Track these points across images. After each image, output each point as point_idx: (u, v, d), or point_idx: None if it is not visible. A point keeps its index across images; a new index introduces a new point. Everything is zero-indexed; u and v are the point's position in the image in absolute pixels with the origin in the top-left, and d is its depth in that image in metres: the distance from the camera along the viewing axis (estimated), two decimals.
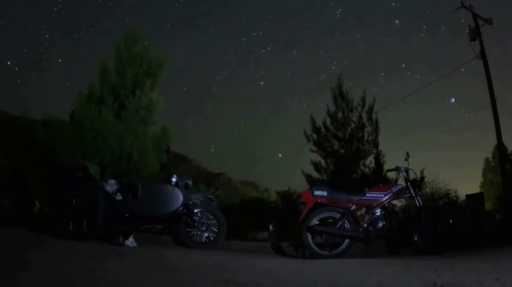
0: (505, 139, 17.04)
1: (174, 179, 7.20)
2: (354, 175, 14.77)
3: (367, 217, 6.41)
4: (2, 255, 3.72)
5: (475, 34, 17.68)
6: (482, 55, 17.33)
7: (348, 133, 15.48)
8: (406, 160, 6.88)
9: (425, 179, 13.92)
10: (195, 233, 7.26)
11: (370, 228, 6.34)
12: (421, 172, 13.45)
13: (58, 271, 3.19)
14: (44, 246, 4.70)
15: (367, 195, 6.53)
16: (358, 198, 6.50)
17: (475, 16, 17.98)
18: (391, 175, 13.30)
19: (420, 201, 6.62)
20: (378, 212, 6.42)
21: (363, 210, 6.78)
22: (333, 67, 71.74)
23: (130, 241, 6.66)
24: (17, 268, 3.09)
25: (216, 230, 7.38)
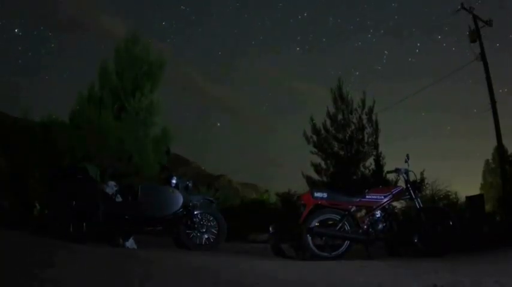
0: (505, 141, 17.05)
1: (174, 181, 7.20)
2: (354, 177, 14.78)
3: (367, 219, 6.40)
4: (2, 257, 3.71)
5: (475, 36, 17.67)
6: (482, 57, 17.31)
7: (348, 135, 15.51)
8: (406, 161, 6.88)
9: (425, 181, 13.94)
10: (195, 235, 7.26)
11: (370, 230, 6.33)
12: (421, 173, 13.45)
13: (56, 273, 3.19)
14: (46, 247, 4.70)
15: (367, 197, 6.52)
16: (358, 200, 6.49)
17: (475, 18, 17.95)
18: (391, 177, 13.33)
19: (420, 203, 6.62)
20: (378, 213, 6.41)
21: (363, 212, 6.78)
22: (369, 35, 71.04)
23: (130, 243, 6.66)
24: (18, 270, 3.10)
25: (216, 231, 7.37)
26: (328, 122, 15.91)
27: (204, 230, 7.31)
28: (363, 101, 15.81)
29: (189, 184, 7.56)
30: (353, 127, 15.62)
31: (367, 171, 15.05)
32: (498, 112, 16.60)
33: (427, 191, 14.13)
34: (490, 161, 29.11)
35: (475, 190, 24.84)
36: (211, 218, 7.42)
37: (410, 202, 7.32)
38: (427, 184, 14.05)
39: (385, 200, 6.47)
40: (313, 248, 6.18)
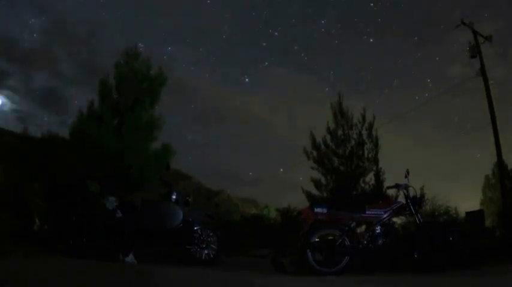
0: (505, 156, 17.05)
1: (174, 196, 7.21)
2: (354, 192, 14.73)
3: (367, 234, 6.40)
4: None
5: (475, 51, 17.75)
6: (483, 72, 17.37)
7: (348, 150, 15.50)
8: (406, 177, 6.89)
9: (425, 196, 13.88)
10: (194, 250, 7.24)
11: (370, 245, 6.32)
12: (421, 189, 13.41)
13: None
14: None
15: (367, 212, 6.52)
16: (358, 215, 6.49)
17: (475, 33, 18.04)
18: (391, 192, 13.29)
19: (420, 218, 6.62)
20: (378, 229, 6.41)
21: (363, 227, 6.77)
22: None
23: (130, 258, 6.64)
24: None
25: (215, 247, 7.35)
26: (328, 137, 15.93)
27: (203, 245, 7.29)
28: (363, 116, 15.84)
29: (189, 199, 7.56)
30: (353, 142, 15.62)
31: (367, 186, 15.01)
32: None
33: (427, 207, 14.07)
34: (490, 176, 29.09)
35: (475, 205, 24.81)
36: (211, 233, 7.40)
37: (410, 217, 7.31)
38: (426, 199, 14.00)
39: (385, 215, 6.48)
40: (313, 263, 6.16)
